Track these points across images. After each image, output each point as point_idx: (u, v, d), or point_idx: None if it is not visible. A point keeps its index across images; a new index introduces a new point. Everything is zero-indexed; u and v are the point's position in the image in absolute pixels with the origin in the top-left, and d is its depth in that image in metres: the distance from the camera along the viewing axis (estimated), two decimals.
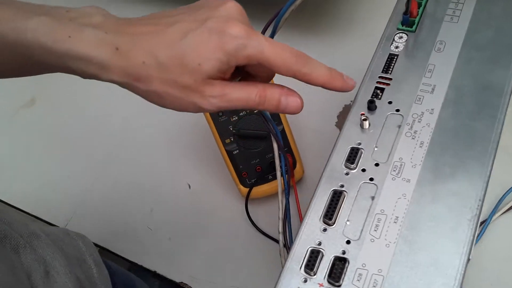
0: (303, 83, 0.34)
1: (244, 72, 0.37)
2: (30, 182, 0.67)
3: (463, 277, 0.31)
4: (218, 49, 0.31)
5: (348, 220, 0.34)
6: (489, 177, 0.34)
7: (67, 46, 0.30)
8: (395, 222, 0.33)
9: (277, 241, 0.57)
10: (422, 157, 0.36)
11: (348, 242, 0.33)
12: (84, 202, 0.63)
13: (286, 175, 0.50)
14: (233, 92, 0.33)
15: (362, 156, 0.37)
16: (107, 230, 0.60)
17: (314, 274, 0.32)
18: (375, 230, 0.33)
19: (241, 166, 0.58)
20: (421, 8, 0.43)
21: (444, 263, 0.31)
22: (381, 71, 0.41)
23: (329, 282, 0.31)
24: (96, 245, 0.57)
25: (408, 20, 0.42)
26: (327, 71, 0.35)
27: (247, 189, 0.59)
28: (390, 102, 0.39)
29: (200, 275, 0.57)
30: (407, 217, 0.33)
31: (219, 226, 0.60)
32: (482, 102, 0.37)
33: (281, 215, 0.50)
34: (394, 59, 0.41)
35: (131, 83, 0.32)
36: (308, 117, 0.61)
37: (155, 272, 0.58)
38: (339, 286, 0.31)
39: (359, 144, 0.37)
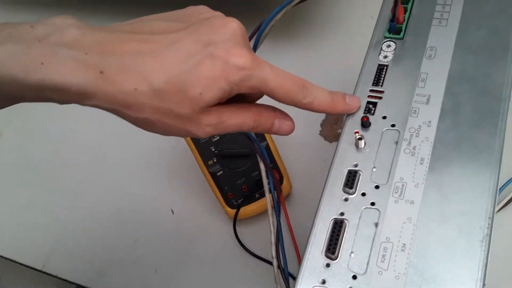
0: None
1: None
2: (0, 223, 0.62)
3: None
4: (222, 78, 0.29)
5: (352, 252, 0.31)
6: (496, 190, 0.32)
7: (41, 75, 0.26)
8: (402, 250, 0.30)
9: (270, 262, 0.54)
10: (424, 175, 0.33)
11: (354, 277, 0.30)
12: (62, 239, 0.59)
13: (275, 193, 0.48)
14: (229, 119, 0.31)
15: (360, 178, 0.34)
16: (89, 267, 0.56)
17: None
18: (382, 261, 0.30)
19: (226, 187, 0.55)
20: (407, 14, 0.41)
21: None
22: (371, 83, 0.38)
23: None
24: (77, 285, 0.54)
25: (395, 27, 0.40)
26: (328, 97, 0.34)
27: (234, 211, 0.56)
28: (384, 117, 0.36)
29: None
30: (415, 243, 0.31)
31: (207, 252, 0.57)
32: (481, 109, 0.35)
33: (273, 239, 0.48)
34: (384, 70, 0.39)
35: (119, 110, 0.28)
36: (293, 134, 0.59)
37: None
38: None
39: (356, 165, 0.35)
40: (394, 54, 0.39)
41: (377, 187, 0.33)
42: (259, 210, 0.56)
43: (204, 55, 0.28)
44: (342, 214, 0.33)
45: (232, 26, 0.30)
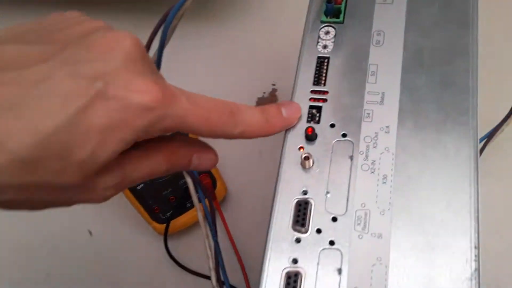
0: None
1: None
2: None
3: None
4: (123, 127, 0.20)
5: None
6: (479, 210, 0.26)
7: None
8: None
9: (208, 277, 0.48)
10: (390, 197, 0.27)
11: None
12: None
13: (207, 202, 0.41)
14: (134, 171, 0.23)
15: (313, 210, 0.27)
16: None
17: None
18: None
19: (150, 202, 0.48)
20: None
21: None
22: (312, 82, 0.31)
23: None
24: None
25: (333, 9, 0.32)
26: (261, 119, 0.28)
27: (163, 226, 0.48)
28: (332, 125, 0.29)
29: None
30: None
31: (138, 276, 0.49)
32: (447, 105, 0.29)
33: (209, 252, 0.41)
34: (325, 64, 0.32)
35: None
36: None
37: None
38: None
39: (305, 192, 0.28)
40: (334, 42, 0.32)
41: (334, 219, 0.27)
42: (192, 221, 0.49)
43: (91, 96, 0.19)
44: (295, 261, 0.26)
45: (124, 46, 0.21)
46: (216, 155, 0.28)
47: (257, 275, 0.24)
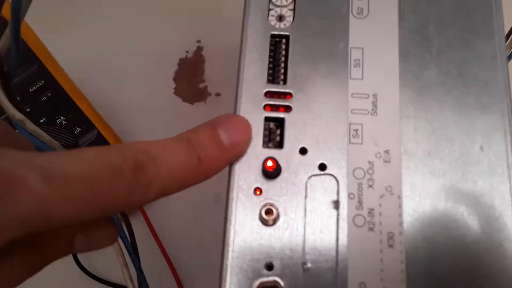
0: None
1: None
2: None
3: None
4: None
5: None
6: None
7: None
8: None
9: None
10: (402, 270, 0.17)
11: None
12: None
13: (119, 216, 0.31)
14: None
15: None
16: None
17: None
18: None
19: None
20: None
21: None
22: (265, 79, 0.20)
23: None
24: None
25: None
26: (190, 163, 0.17)
27: None
28: (303, 151, 0.19)
29: None
30: None
31: None
32: (475, 112, 0.19)
33: (121, 260, 0.32)
34: (283, 48, 0.20)
35: None
36: (132, 94, 0.40)
37: None
38: None
39: (270, 267, 0.18)
40: (295, 11, 0.21)
41: None
42: None
43: None
44: None
45: None
46: (117, 230, 0.17)
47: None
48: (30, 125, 0.26)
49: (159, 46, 0.42)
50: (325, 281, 0.17)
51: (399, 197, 0.18)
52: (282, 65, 0.20)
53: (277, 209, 0.18)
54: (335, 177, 0.19)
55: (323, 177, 0.19)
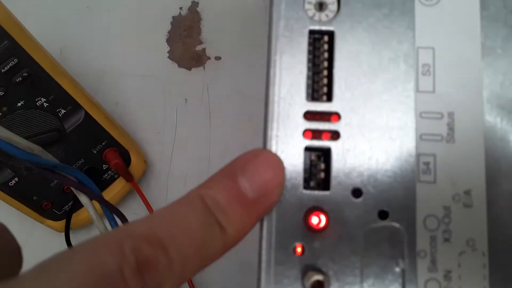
0: None
1: None
2: None
3: None
4: None
5: None
6: None
7: None
8: None
9: None
10: None
11: None
12: None
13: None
14: None
15: None
16: None
17: None
18: None
19: (35, 197, 0.33)
20: None
21: None
22: (304, 96, 0.15)
23: None
24: None
25: None
26: (206, 232, 0.13)
27: (61, 222, 0.34)
28: (357, 193, 0.14)
29: None
30: None
31: None
32: None
33: None
34: (323, 49, 0.15)
35: None
36: (120, 61, 0.35)
37: None
38: None
39: None
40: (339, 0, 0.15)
41: None
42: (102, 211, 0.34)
43: None
44: None
45: None
46: None
47: None
48: (2, 132, 0.21)
49: (148, 2, 0.36)
50: None
51: (484, 254, 0.14)
52: (325, 73, 0.15)
53: (328, 279, 0.14)
54: (400, 229, 0.14)
55: (384, 229, 0.14)
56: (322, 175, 0.15)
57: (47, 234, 0.34)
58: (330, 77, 0.15)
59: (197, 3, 0.35)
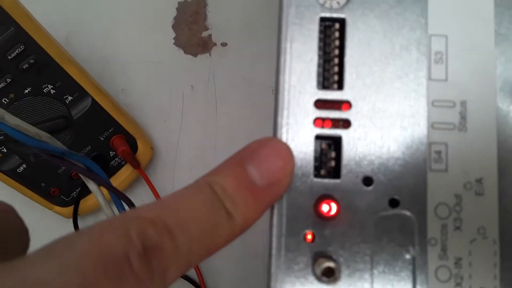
0: None
1: None
2: None
3: None
4: None
5: None
6: None
7: None
8: None
9: None
10: None
11: None
12: None
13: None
14: None
15: None
16: None
17: None
18: None
19: (43, 184, 0.33)
20: None
21: None
22: (315, 84, 0.15)
23: None
24: None
25: None
26: (214, 220, 0.13)
27: (69, 208, 0.34)
28: (368, 181, 0.14)
29: None
30: None
31: None
32: None
33: None
34: (335, 36, 0.15)
35: None
36: (126, 47, 0.34)
37: None
38: None
39: None
40: None
41: None
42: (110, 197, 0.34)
43: None
44: None
45: None
46: None
47: None
48: (11, 119, 0.21)
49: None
50: None
51: (495, 242, 0.14)
52: (336, 61, 0.15)
53: (338, 266, 0.14)
54: (411, 217, 0.14)
55: (395, 217, 0.14)
56: (333, 163, 0.15)
57: (55, 221, 0.34)
58: (341, 65, 0.15)
59: None
